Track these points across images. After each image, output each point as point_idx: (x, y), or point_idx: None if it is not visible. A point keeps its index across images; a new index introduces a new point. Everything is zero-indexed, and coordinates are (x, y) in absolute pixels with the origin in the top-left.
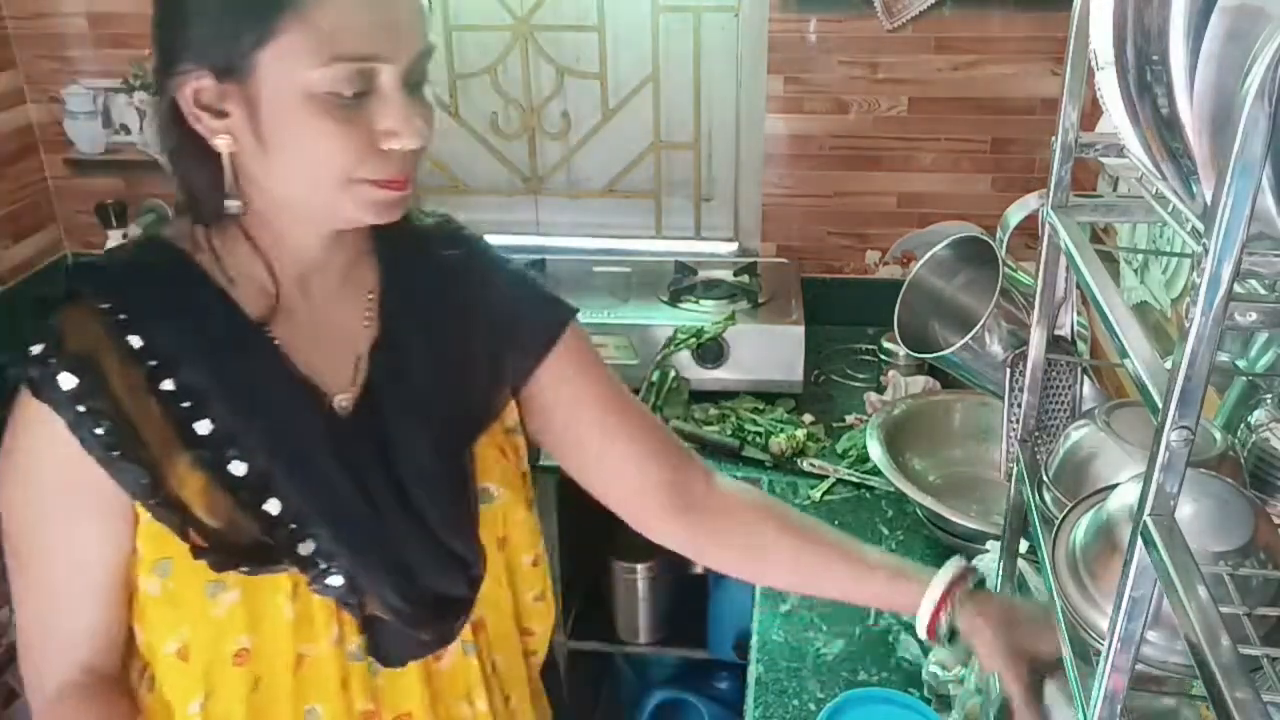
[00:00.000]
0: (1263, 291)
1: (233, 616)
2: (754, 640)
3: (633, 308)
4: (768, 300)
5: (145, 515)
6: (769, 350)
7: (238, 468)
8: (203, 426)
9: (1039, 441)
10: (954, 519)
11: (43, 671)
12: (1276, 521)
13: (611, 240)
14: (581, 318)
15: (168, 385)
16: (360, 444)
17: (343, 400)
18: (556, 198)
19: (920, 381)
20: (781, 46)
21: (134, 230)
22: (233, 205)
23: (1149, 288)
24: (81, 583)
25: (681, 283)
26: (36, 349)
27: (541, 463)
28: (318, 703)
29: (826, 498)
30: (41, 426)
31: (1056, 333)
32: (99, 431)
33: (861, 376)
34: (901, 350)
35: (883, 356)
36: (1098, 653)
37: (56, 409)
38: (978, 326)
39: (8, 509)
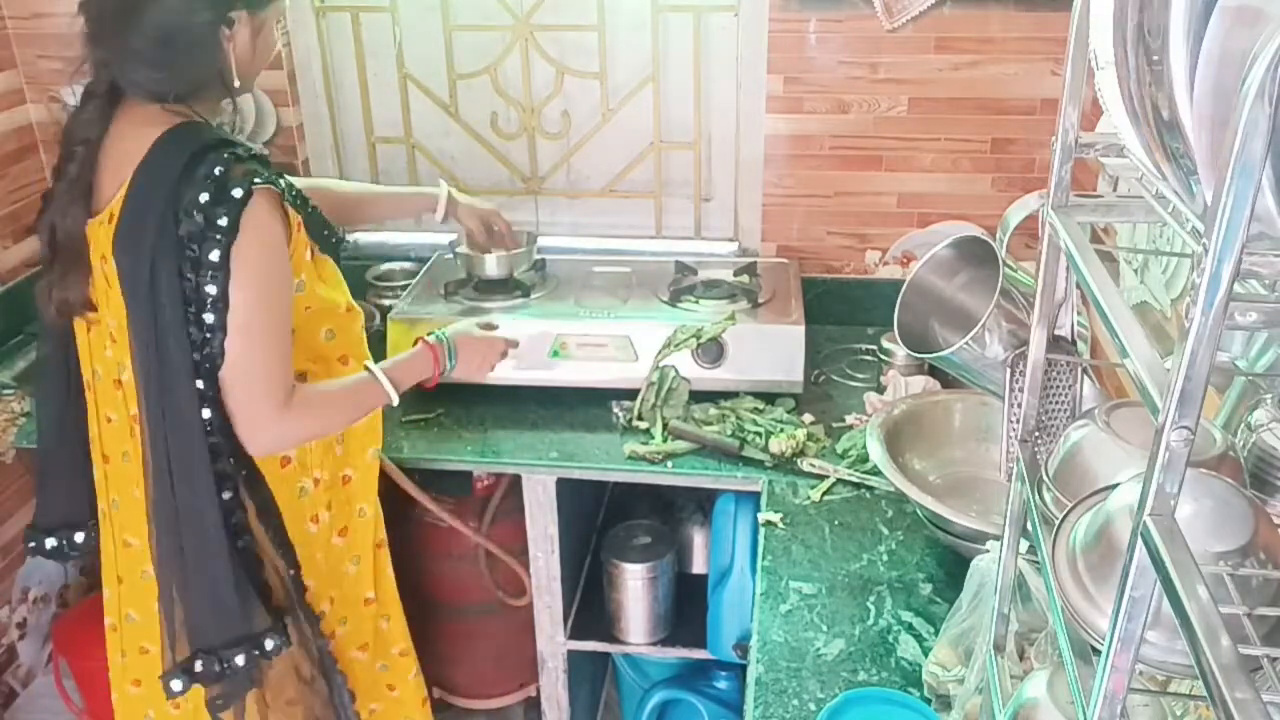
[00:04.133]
0: (1263, 291)
1: None
2: (754, 640)
3: (633, 308)
4: (768, 300)
5: None
6: (769, 350)
7: None
8: None
9: (1039, 441)
10: (954, 519)
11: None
12: (1276, 521)
13: (611, 240)
14: (581, 317)
15: None
16: None
17: None
18: (556, 198)
19: (920, 381)
20: (781, 46)
21: None
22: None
23: (1149, 288)
24: None
25: (681, 283)
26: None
27: (542, 463)
28: None
29: (826, 498)
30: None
31: (1056, 333)
32: None
33: (861, 376)
34: (901, 350)
35: (883, 356)
36: (1098, 652)
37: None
38: (978, 326)
39: None
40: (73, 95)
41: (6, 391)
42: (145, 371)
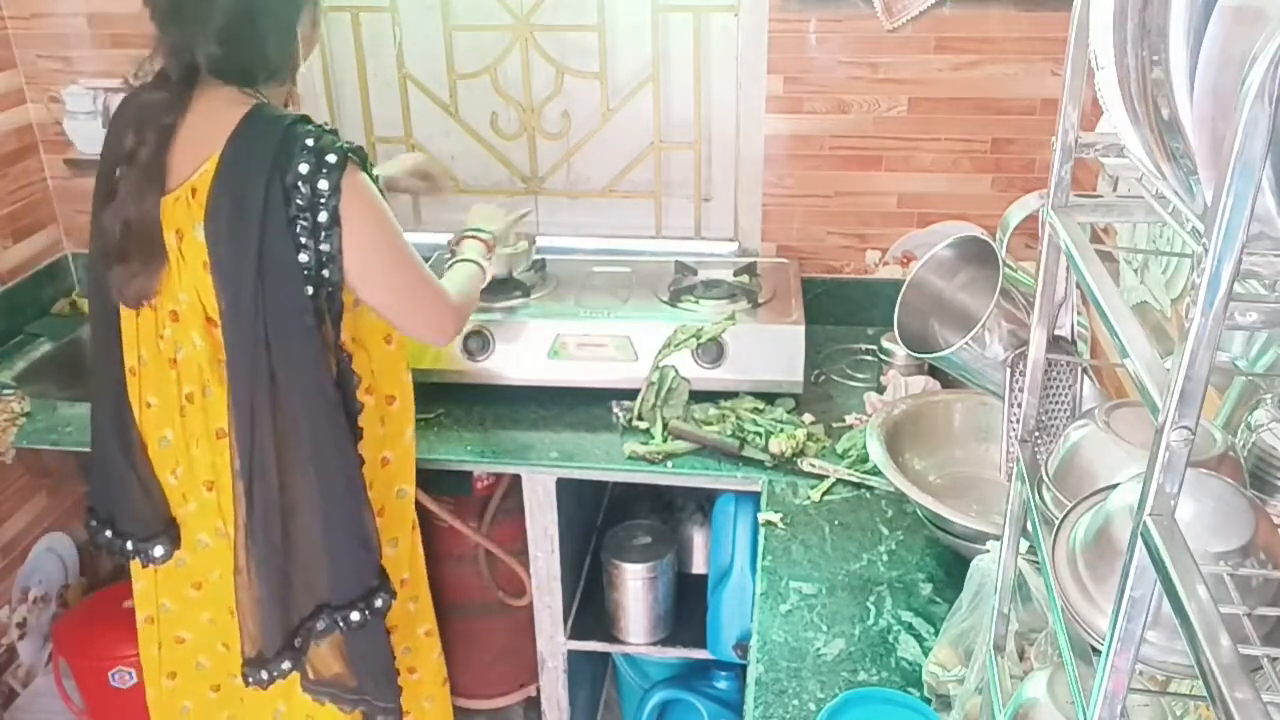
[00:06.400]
0: (1263, 291)
1: None
2: (754, 640)
3: (633, 308)
4: (768, 300)
5: None
6: (769, 350)
7: None
8: None
9: (1039, 441)
10: (954, 519)
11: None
12: (1276, 521)
13: (611, 240)
14: (581, 317)
15: None
16: None
17: None
18: (556, 198)
19: (920, 381)
20: (781, 46)
21: None
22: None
23: (1149, 288)
24: None
25: (681, 283)
26: None
27: (542, 463)
28: None
29: (826, 498)
30: None
31: (1056, 333)
32: None
33: (861, 376)
34: (901, 350)
35: (883, 356)
36: (1098, 652)
37: None
38: (978, 326)
39: None
40: (71, 96)
41: (6, 391)
42: (237, 338)
